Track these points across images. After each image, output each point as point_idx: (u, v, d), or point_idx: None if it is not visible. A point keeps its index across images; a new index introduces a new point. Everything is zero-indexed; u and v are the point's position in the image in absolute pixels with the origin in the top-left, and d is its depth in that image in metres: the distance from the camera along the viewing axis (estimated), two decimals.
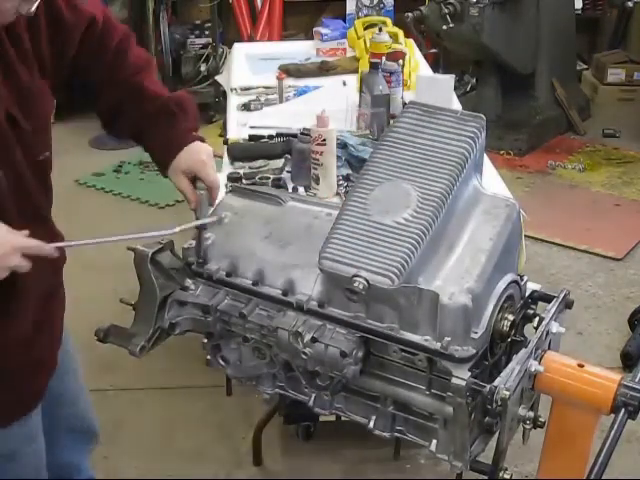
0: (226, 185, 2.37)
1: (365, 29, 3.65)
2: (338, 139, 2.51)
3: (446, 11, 4.58)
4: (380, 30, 3.16)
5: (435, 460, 1.62)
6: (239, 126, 2.94)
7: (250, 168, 2.52)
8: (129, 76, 1.82)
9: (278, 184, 2.37)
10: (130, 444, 2.83)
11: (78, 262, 3.84)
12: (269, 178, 2.43)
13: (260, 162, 2.54)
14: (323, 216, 1.69)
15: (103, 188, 4.67)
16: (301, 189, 2.44)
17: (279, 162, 2.54)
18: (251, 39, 5.52)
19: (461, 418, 1.47)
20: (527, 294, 1.63)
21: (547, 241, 4.03)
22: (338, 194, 2.43)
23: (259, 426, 2.69)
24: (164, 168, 1.80)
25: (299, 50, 3.79)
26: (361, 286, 1.43)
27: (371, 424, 1.63)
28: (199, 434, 2.86)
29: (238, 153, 2.66)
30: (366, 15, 4.06)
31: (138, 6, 5.25)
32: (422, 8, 4.79)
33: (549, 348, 1.55)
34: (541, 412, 1.56)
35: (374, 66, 2.78)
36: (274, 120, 2.90)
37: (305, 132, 2.50)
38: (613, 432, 1.43)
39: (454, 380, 1.43)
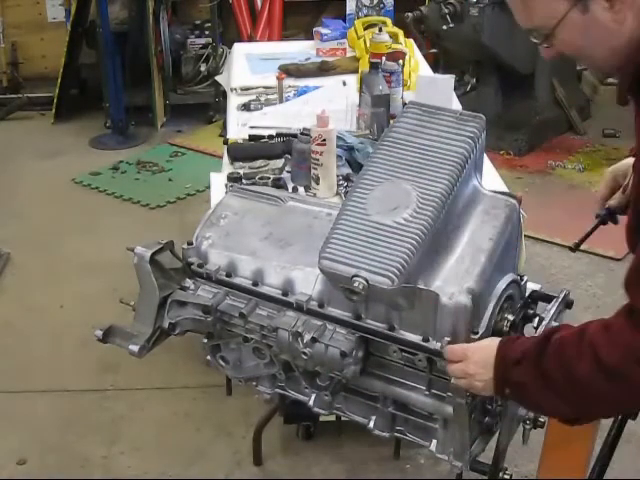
0: (226, 185, 2.37)
1: (365, 29, 3.65)
2: (342, 140, 2.52)
3: (446, 11, 4.57)
4: (380, 30, 3.15)
5: (435, 460, 1.62)
6: (239, 126, 2.94)
7: (250, 168, 2.52)
8: None
9: (278, 184, 2.37)
10: (130, 444, 2.83)
11: (78, 262, 3.87)
12: (269, 178, 2.43)
13: (260, 162, 2.54)
14: (323, 216, 1.69)
15: (98, 187, 4.67)
16: (301, 189, 2.44)
17: (279, 162, 2.54)
18: (251, 39, 5.52)
19: (461, 418, 1.47)
20: (527, 294, 1.63)
21: (547, 241, 4.03)
22: (338, 194, 2.43)
23: (259, 426, 2.69)
24: None
25: (299, 50, 3.78)
26: (361, 286, 1.43)
27: (371, 424, 1.63)
28: (199, 434, 2.86)
29: (238, 153, 2.66)
30: (366, 15, 4.05)
31: (138, 6, 5.25)
32: (422, 8, 4.78)
33: None
34: None
35: (374, 66, 2.78)
36: (274, 120, 2.90)
37: (305, 132, 2.49)
38: (613, 432, 1.43)
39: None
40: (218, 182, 2.49)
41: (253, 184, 2.35)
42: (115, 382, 3.11)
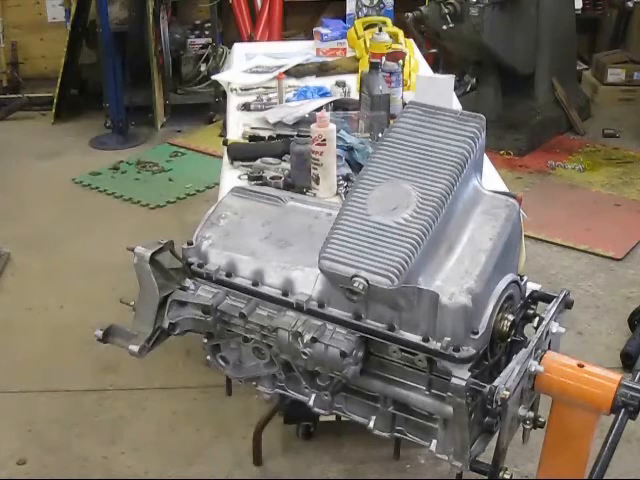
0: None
1: (365, 29, 3.65)
2: (342, 140, 2.52)
3: (446, 11, 4.57)
4: (380, 30, 3.16)
5: (435, 460, 1.62)
6: (239, 126, 2.94)
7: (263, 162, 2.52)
8: None
9: (290, 184, 2.38)
10: (130, 444, 2.83)
11: (78, 262, 3.87)
12: (281, 178, 2.43)
13: (272, 160, 2.54)
14: (323, 216, 1.69)
15: (98, 187, 4.67)
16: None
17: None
18: (251, 39, 5.52)
19: (461, 418, 1.47)
20: (527, 294, 1.63)
21: (547, 241, 4.03)
22: (338, 194, 2.43)
23: (259, 426, 2.69)
24: None
25: (299, 50, 3.78)
26: (361, 286, 1.43)
27: (371, 424, 1.63)
28: (199, 434, 2.86)
29: (238, 153, 2.67)
30: (366, 15, 4.07)
31: (138, 6, 5.25)
32: (422, 8, 4.78)
33: (549, 348, 1.56)
34: (541, 412, 1.56)
35: (374, 66, 2.78)
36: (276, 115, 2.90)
37: (301, 134, 2.50)
38: (613, 432, 1.43)
39: (454, 380, 1.43)
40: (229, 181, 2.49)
41: (264, 184, 2.36)
42: (115, 382, 3.11)
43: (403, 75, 2.96)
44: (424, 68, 3.48)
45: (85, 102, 5.70)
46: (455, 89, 3.05)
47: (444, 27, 4.62)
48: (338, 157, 2.48)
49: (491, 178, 2.46)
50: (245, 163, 2.60)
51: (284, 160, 2.55)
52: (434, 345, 1.46)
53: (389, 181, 1.51)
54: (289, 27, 5.94)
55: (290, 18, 5.90)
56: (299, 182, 2.46)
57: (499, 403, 1.40)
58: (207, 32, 5.61)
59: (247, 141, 2.78)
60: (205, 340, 1.74)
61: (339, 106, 2.94)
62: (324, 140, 2.38)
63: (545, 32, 5.07)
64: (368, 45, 3.28)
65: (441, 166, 1.49)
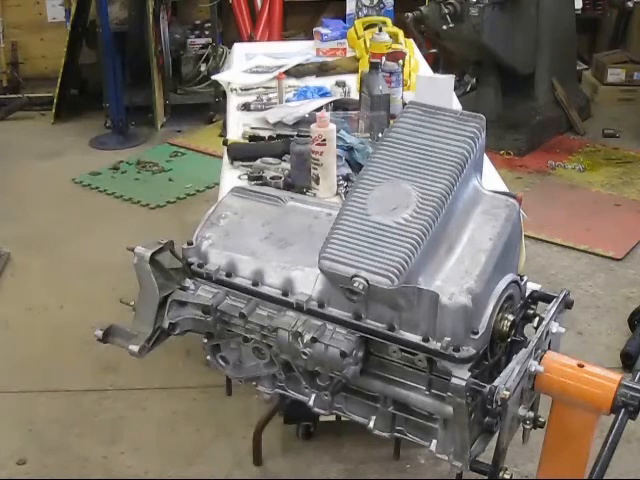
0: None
1: (365, 29, 3.65)
2: (342, 140, 2.51)
3: (446, 11, 4.57)
4: (380, 30, 3.16)
5: (435, 460, 1.62)
6: (239, 126, 2.94)
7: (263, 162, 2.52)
8: None
9: (290, 184, 2.38)
10: (130, 444, 2.83)
11: (78, 262, 3.87)
12: (281, 178, 2.43)
13: (272, 160, 2.54)
14: (323, 216, 1.69)
15: (98, 187, 4.67)
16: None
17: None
18: (251, 39, 5.52)
19: (461, 418, 1.47)
20: (527, 294, 1.63)
21: (547, 241, 4.03)
22: (338, 194, 2.43)
23: (259, 426, 2.69)
24: None
25: (299, 50, 3.78)
26: (361, 286, 1.43)
27: (371, 424, 1.63)
28: (199, 434, 2.86)
29: (238, 153, 2.67)
30: (366, 15, 4.06)
31: (138, 6, 5.25)
32: (422, 8, 4.78)
33: (549, 348, 1.56)
34: (541, 412, 1.56)
35: (374, 66, 2.78)
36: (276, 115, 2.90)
37: (302, 134, 2.50)
38: (613, 432, 1.43)
39: (454, 380, 1.43)
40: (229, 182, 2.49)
41: (264, 184, 2.36)
42: (115, 382, 3.11)
43: (403, 75, 2.96)
44: (424, 68, 3.48)
45: (85, 102, 5.70)
46: (455, 89, 3.05)
47: (444, 27, 4.62)
48: (338, 157, 2.48)
49: (491, 178, 2.46)
50: (245, 163, 2.60)
51: (284, 160, 2.55)
52: (434, 345, 1.46)
53: (389, 181, 1.51)
54: (289, 27, 5.95)
55: (290, 18, 5.91)
56: (299, 182, 2.45)
57: (499, 403, 1.40)
58: (207, 32, 5.61)
59: (247, 141, 2.79)
60: (205, 340, 1.74)
61: (339, 106, 2.94)
62: (324, 140, 2.38)
63: (545, 32, 5.07)
64: (368, 45, 3.28)
65: (441, 166, 1.49)
